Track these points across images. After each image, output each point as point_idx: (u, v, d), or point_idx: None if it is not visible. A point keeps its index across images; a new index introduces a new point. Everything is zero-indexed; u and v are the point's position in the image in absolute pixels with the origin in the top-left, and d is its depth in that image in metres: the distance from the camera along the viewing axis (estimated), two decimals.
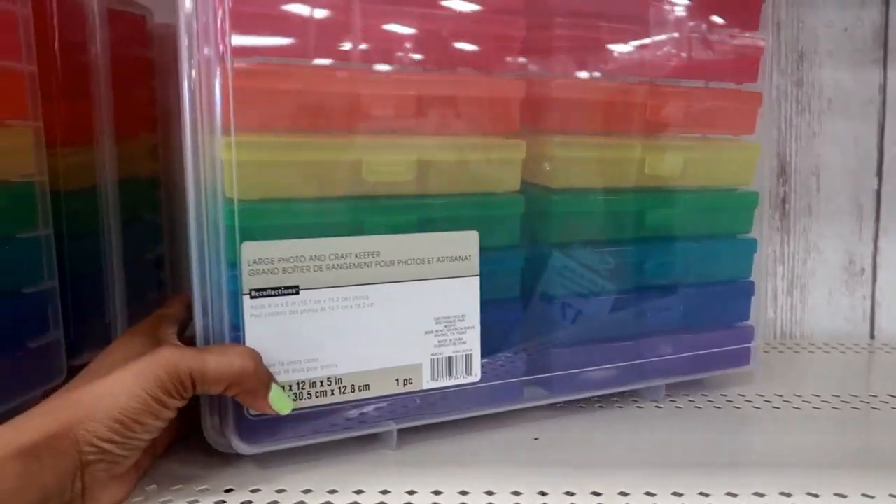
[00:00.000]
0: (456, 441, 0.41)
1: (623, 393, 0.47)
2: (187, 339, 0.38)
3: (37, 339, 0.42)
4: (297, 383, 0.36)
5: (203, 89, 0.34)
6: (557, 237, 0.43)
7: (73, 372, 0.37)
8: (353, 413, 0.38)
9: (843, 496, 0.34)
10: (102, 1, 0.49)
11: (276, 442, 0.37)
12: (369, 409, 0.38)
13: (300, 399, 0.36)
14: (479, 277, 0.40)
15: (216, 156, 0.35)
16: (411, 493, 0.35)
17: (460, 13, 0.38)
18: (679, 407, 0.46)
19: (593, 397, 0.46)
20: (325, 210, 0.37)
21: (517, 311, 0.43)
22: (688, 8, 0.45)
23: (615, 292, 0.45)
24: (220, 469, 0.37)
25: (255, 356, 0.34)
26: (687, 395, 0.48)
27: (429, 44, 0.38)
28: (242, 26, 0.34)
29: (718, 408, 0.46)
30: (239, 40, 0.34)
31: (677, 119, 0.45)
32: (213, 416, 0.36)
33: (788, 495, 0.34)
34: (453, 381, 0.40)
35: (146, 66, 0.57)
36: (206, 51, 0.34)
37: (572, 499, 0.34)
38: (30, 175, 0.42)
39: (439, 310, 0.39)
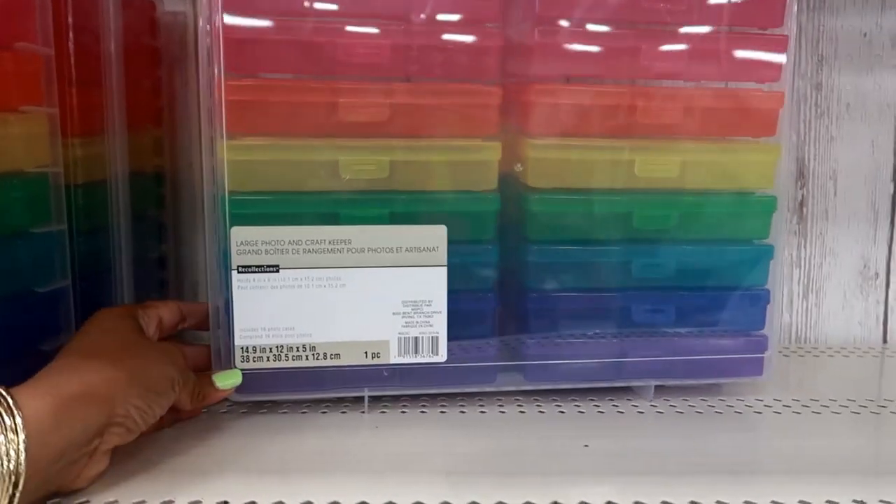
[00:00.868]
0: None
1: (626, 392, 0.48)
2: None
3: (49, 342, 0.41)
4: (276, 346, 0.43)
5: (207, 100, 0.41)
6: (537, 234, 0.46)
7: None
8: (330, 377, 0.44)
9: (861, 503, 0.34)
10: None
11: (262, 394, 0.43)
12: (344, 375, 0.44)
13: (279, 360, 0.43)
14: (446, 268, 0.44)
15: (217, 156, 0.41)
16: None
17: (438, 27, 0.43)
18: (699, 412, 0.46)
19: (590, 399, 0.47)
20: (309, 203, 0.42)
21: (492, 302, 0.46)
22: (710, 8, 0.45)
23: (605, 290, 0.47)
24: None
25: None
26: (705, 399, 0.48)
27: (408, 55, 0.43)
28: (234, 49, 0.40)
29: (739, 413, 0.46)
30: (231, 60, 0.40)
31: (679, 119, 0.45)
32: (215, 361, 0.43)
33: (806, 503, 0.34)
34: (419, 360, 0.44)
35: (154, 55, 0.56)
36: (210, 68, 0.40)
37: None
38: (45, 165, 0.40)
39: (407, 294, 0.44)
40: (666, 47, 0.45)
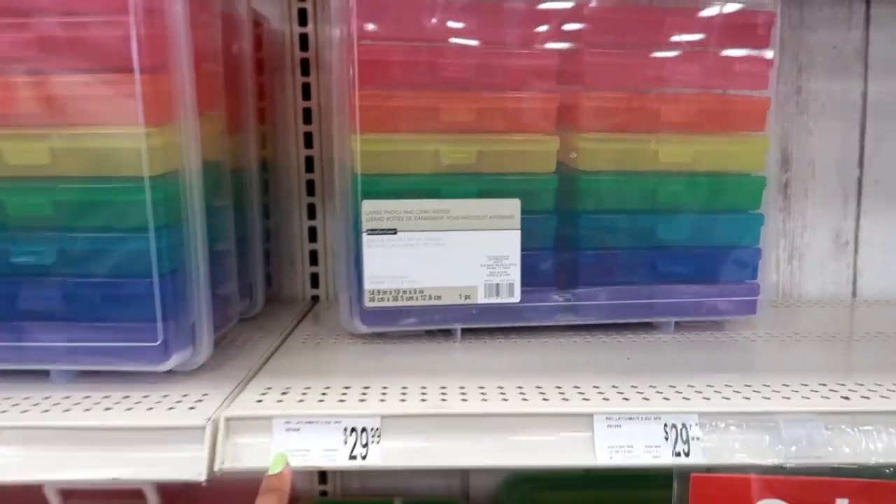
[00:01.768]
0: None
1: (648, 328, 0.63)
2: None
3: (222, 287, 0.55)
4: (394, 290, 0.57)
5: (343, 106, 0.55)
6: (586, 206, 0.60)
7: None
8: (432, 313, 0.58)
9: (842, 384, 0.48)
10: (250, 12, 0.62)
11: (383, 326, 0.58)
12: (443, 312, 0.58)
13: (396, 301, 0.57)
14: (519, 231, 0.58)
15: (349, 148, 0.55)
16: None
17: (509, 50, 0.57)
18: (708, 340, 0.61)
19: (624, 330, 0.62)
20: (418, 182, 0.57)
21: (553, 257, 0.60)
22: (714, 31, 0.60)
23: (637, 248, 0.61)
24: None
25: None
26: (712, 332, 0.62)
27: (489, 71, 0.57)
28: (366, 69, 0.54)
29: (737, 341, 0.61)
30: (363, 77, 0.54)
31: (693, 119, 0.59)
32: (347, 310, 0.57)
33: (787, 385, 0.48)
34: (499, 300, 0.59)
35: (260, 64, 0.69)
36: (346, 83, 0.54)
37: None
38: (220, 155, 0.54)
39: (490, 251, 0.58)
40: (683, 65, 0.59)
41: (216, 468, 0.42)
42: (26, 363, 0.48)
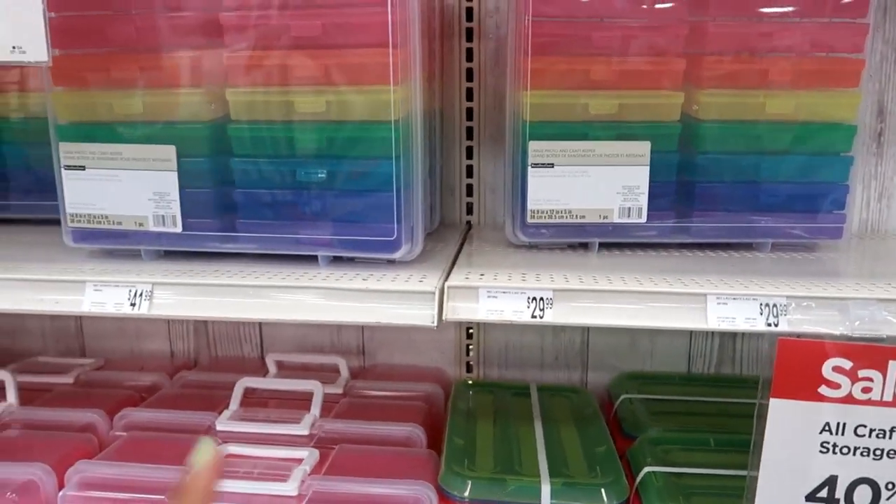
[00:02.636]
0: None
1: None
2: None
3: (426, 203, 0.84)
4: (549, 209, 0.75)
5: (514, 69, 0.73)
6: (703, 147, 0.76)
7: None
8: (578, 229, 0.76)
9: None
10: None
11: (538, 238, 0.76)
12: (585, 229, 0.76)
13: (550, 218, 0.75)
14: (648, 167, 0.75)
15: (520, 101, 0.73)
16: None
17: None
18: (799, 258, 0.76)
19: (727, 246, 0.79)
20: (571, 128, 0.74)
21: (674, 187, 0.77)
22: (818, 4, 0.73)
23: (742, 182, 0.77)
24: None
25: None
26: (805, 254, 0.77)
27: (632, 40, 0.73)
28: (538, 43, 0.71)
29: (827, 258, 0.75)
30: (535, 48, 0.71)
31: (795, 77, 0.74)
32: (510, 226, 0.76)
33: (859, 284, 0.62)
34: (630, 220, 0.76)
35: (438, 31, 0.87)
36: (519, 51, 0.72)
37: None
38: (430, 105, 0.86)
39: (625, 181, 0.75)
40: (789, 32, 0.73)
41: (443, 318, 0.62)
42: (301, 250, 0.70)
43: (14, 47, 0.60)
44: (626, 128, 0.74)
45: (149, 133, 0.70)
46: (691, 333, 1.00)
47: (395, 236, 0.68)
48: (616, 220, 0.76)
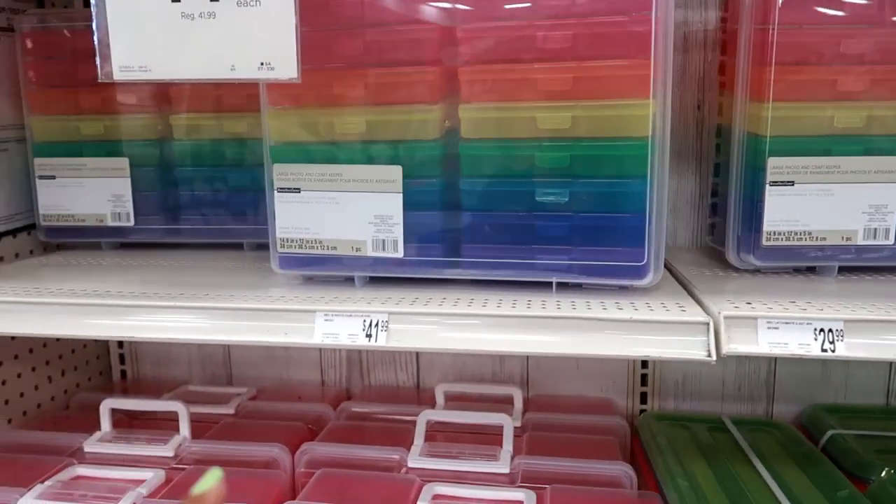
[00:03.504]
0: None
1: None
2: None
3: None
4: (794, 231, 0.69)
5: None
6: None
7: None
8: (818, 252, 0.70)
9: None
10: None
11: (776, 262, 0.70)
12: (823, 251, 0.70)
13: (789, 240, 0.69)
14: None
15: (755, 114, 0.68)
16: None
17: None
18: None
19: None
20: (814, 143, 0.68)
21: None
22: None
23: None
24: None
25: None
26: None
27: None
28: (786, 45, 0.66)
29: None
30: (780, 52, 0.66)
31: None
32: (735, 248, 0.71)
33: None
34: (876, 243, 0.70)
35: None
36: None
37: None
38: None
39: (871, 201, 0.69)
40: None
41: (722, 352, 0.56)
42: (534, 276, 0.66)
43: (262, 63, 0.56)
44: (874, 142, 0.69)
45: (371, 153, 0.66)
46: (891, 364, 0.93)
47: (644, 261, 0.63)
48: (860, 242, 0.70)
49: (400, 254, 0.67)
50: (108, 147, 0.88)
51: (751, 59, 0.69)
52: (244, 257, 0.88)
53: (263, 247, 0.88)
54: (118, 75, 0.57)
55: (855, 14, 0.67)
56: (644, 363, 0.97)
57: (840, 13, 0.67)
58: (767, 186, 0.69)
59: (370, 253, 0.67)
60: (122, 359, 1.09)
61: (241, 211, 0.87)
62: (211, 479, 0.43)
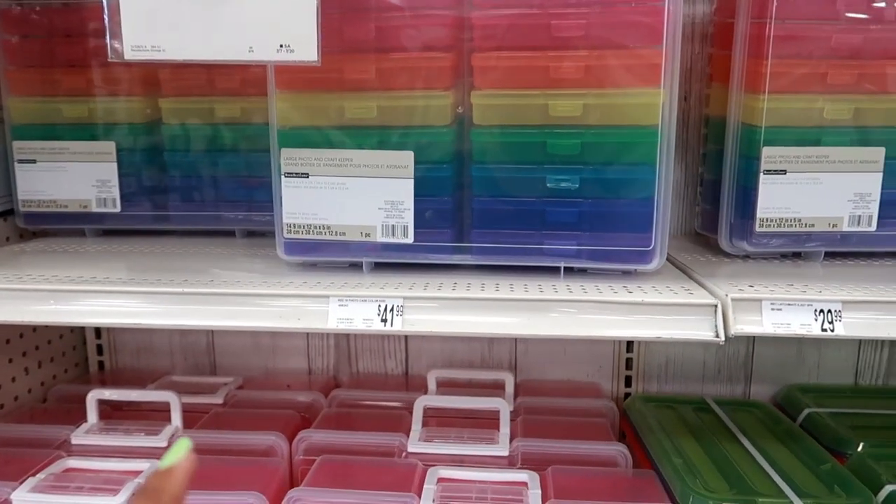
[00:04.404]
0: None
1: None
2: None
3: None
4: (785, 217, 0.72)
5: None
6: None
7: None
8: (803, 239, 0.73)
9: None
10: None
11: (763, 246, 0.73)
12: (810, 238, 0.73)
13: (780, 227, 0.72)
14: (881, 174, 0.72)
15: (749, 105, 0.70)
16: None
17: None
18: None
19: None
20: (805, 133, 0.71)
21: None
22: None
23: None
24: None
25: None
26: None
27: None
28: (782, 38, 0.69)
29: None
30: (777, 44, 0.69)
31: None
32: (727, 235, 0.74)
33: None
34: (859, 230, 0.74)
35: None
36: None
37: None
38: None
39: (857, 189, 0.72)
40: None
41: (730, 333, 0.59)
42: (542, 261, 0.67)
43: (282, 45, 0.56)
44: (860, 133, 0.72)
45: (382, 138, 0.66)
46: (860, 344, 0.98)
47: (651, 246, 0.65)
48: (845, 228, 0.73)
49: (410, 239, 0.67)
50: (92, 130, 0.85)
51: (747, 52, 0.72)
52: (236, 244, 0.86)
53: (255, 234, 0.88)
54: (129, 55, 0.56)
55: (847, 9, 0.70)
56: (629, 348, 0.99)
57: (833, 9, 0.70)
58: (761, 175, 0.72)
59: (380, 238, 0.67)
60: (99, 349, 1.06)
61: (233, 197, 0.86)
62: (179, 450, 0.39)
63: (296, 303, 0.62)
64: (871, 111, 0.72)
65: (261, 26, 0.55)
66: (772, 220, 0.73)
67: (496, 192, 0.66)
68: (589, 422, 0.87)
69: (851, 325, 0.59)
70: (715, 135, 0.81)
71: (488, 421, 0.84)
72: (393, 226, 0.67)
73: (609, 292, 0.62)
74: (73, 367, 1.04)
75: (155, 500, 0.36)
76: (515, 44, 0.63)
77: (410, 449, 0.79)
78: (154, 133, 0.86)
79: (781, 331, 0.59)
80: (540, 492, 0.69)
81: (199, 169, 0.85)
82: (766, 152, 0.71)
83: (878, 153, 0.72)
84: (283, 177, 0.67)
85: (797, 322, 0.59)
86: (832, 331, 0.59)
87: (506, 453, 0.79)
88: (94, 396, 0.84)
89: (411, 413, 0.84)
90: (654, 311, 0.60)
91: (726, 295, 0.60)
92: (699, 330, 0.59)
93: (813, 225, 0.73)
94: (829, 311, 0.59)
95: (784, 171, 0.72)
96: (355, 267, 0.70)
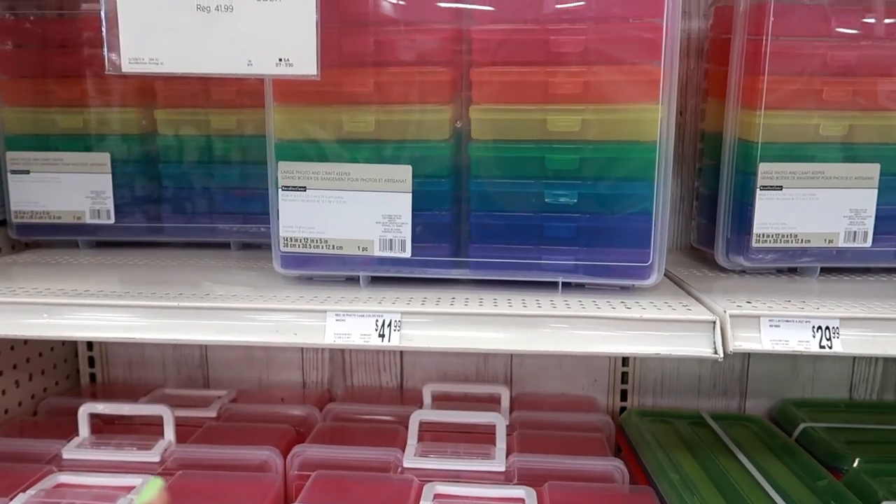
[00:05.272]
0: None
1: None
2: None
3: None
4: (781, 233, 0.72)
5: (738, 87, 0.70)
6: None
7: None
8: (799, 255, 0.74)
9: None
10: None
11: (760, 262, 0.73)
12: (806, 253, 0.74)
13: (777, 242, 0.72)
14: (876, 190, 0.72)
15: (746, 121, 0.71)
16: None
17: None
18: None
19: None
20: (801, 149, 0.72)
21: None
22: None
23: None
24: None
25: None
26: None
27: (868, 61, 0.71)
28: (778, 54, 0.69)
29: None
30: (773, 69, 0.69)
31: None
32: (724, 250, 0.74)
33: None
34: (855, 245, 0.74)
35: None
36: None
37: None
38: None
39: (852, 205, 0.73)
40: None
41: (728, 349, 0.59)
42: (540, 276, 0.67)
43: (281, 59, 0.55)
44: (854, 150, 0.72)
45: (380, 152, 0.66)
46: (854, 358, 0.98)
47: (649, 262, 0.65)
48: (841, 244, 0.74)
49: (407, 254, 0.67)
50: (86, 141, 0.85)
51: (743, 68, 0.72)
52: (231, 256, 0.86)
53: (250, 246, 0.88)
54: (127, 67, 0.55)
55: (841, 26, 0.71)
56: (625, 362, 0.99)
57: (828, 26, 0.70)
58: (758, 191, 0.72)
59: (377, 253, 0.67)
60: (91, 361, 1.05)
61: (228, 209, 0.86)
62: (151, 491, 0.39)
63: (292, 317, 0.62)
64: (866, 127, 0.72)
65: (260, 40, 0.55)
66: (768, 236, 0.73)
67: (494, 207, 0.66)
68: (585, 436, 0.87)
69: (849, 342, 0.59)
70: (711, 150, 0.81)
71: (484, 435, 0.83)
72: (390, 240, 0.67)
73: (607, 308, 0.62)
74: (65, 380, 1.03)
75: None
76: (514, 59, 0.63)
77: (406, 464, 0.79)
78: (149, 144, 0.85)
79: (780, 347, 0.59)
80: None
81: (194, 180, 0.85)
82: (763, 168, 0.71)
83: (874, 169, 0.73)
84: (280, 190, 0.67)
85: (795, 339, 0.59)
86: (830, 348, 0.59)
87: (502, 469, 0.78)
88: (85, 410, 0.83)
89: (406, 427, 0.83)
90: (652, 327, 0.60)
91: (724, 311, 0.60)
92: (698, 346, 0.59)
93: (809, 241, 0.73)
94: (828, 327, 0.59)
95: (780, 187, 0.72)
96: (352, 281, 0.70)
